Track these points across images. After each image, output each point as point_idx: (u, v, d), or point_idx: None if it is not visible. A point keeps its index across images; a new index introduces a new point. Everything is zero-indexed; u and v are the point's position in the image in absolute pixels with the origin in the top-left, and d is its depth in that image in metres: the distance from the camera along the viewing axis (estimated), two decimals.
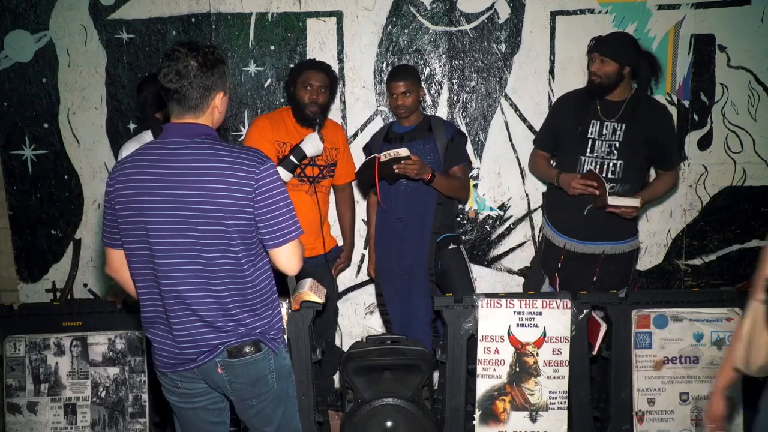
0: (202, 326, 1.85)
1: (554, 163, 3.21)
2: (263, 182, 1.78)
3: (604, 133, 2.93)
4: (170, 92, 1.80)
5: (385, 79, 3.37)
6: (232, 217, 1.77)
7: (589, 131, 2.94)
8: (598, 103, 2.94)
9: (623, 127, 2.90)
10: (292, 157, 2.91)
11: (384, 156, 2.91)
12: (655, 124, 2.91)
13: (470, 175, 3.38)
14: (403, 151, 2.89)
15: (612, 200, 2.81)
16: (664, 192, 3.10)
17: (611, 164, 2.92)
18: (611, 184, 2.90)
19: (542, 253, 3.19)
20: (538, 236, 3.42)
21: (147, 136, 2.85)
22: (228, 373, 1.89)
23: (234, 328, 1.86)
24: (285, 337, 2.12)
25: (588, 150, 2.94)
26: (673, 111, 3.47)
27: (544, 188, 3.43)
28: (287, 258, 1.86)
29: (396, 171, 2.89)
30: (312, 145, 2.93)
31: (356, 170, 3.17)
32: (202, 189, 1.76)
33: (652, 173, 3.18)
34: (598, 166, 2.93)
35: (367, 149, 3.26)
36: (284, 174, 2.87)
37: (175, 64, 1.77)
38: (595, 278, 3.00)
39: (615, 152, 2.91)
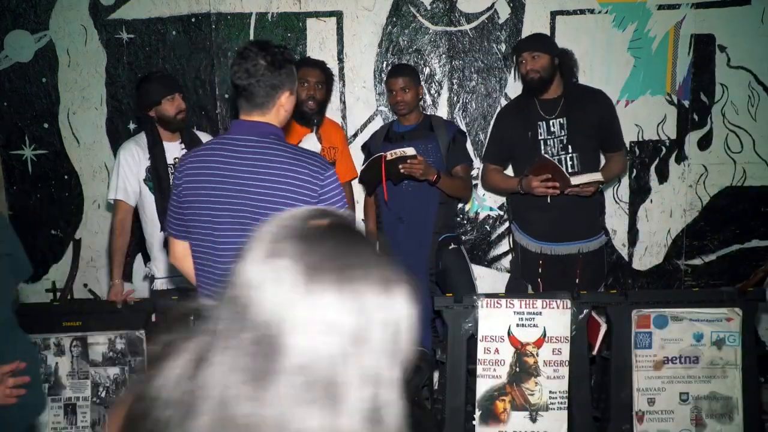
0: None
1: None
2: (327, 188, 1.85)
3: (552, 130, 2.99)
4: (239, 89, 1.87)
5: (385, 78, 3.37)
6: None
7: (538, 133, 3.00)
8: (537, 105, 3.00)
9: (566, 120, 2.97)
10: None
11: (390, 155, 2.90)
12: (595, 109, 2.99)
13: (471, 174, 3.38)
14: (410, 151, 2.89)
15: (575, 179, 2.85)
16: (618, 172, 3.17)
17: (567, 158, 2.98)
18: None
19: (520, 261, 3.17)
20: (511, 245, 3.35)
21: (144, 137, 2.86)
22: None
23: None
24: None
25: (542, 151, 2.99)
26: (673, 111, 3.47)
27: None
28: None
29: (402, 171, 2.89)
30: (309, 145, 2.93)
31: (362, 168, 3.16)
32: (267, 187, 1.82)
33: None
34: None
35: (366, 148, 3.26)
36: None
37: (245, 63, 1.84)
38: (577, 279, 3.01)
39: (568, 146, 2.97)
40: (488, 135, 3.31)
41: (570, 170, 2.94)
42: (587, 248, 3.03)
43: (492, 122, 3.27)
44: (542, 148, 2.98)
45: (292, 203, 1.83)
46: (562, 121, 2.97)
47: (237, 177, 1.84)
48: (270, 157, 1.85)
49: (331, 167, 1.90)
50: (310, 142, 2.93)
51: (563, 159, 2.97)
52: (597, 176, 2.86)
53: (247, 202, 1.84)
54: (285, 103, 1.91)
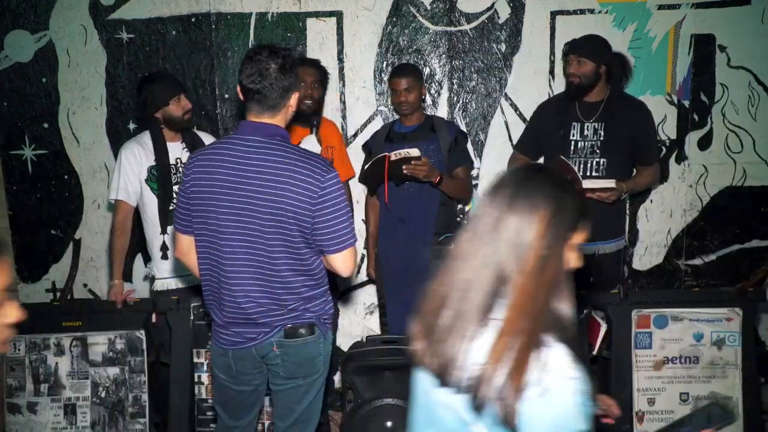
0: (262, 309, 1.97)
1: None
2: (327, 191, 1.90)
3: (585, 134, 2.99)
4: (251, 92, 1.92)
5: (385, 79, 3.37)
6: (293, 216, 1.89)
7: (571, 133, 3.00)
8: (577, 106, 3.01)
9: (603, 126, 2.96)
10: None
11: (395, 155, 2.90)
12: (633, 121, 2.98)
13: (471, 175, 3.38)
14: (414, 152, 2.88)
15: (586, 183, 2.86)
16: (644, 185, 3.17)
17: (594, 162, 2.97)
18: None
19: None
20: None
21: (146, 137, 2.85)
22: (282, 353, 2.01)
23: (291, 310, 1.99)
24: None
25: (571, 152, 2.99)
26: (673, 111, 3.47)
27: None
28: (343, 262, 1.98)
29: (405, 172, 2.89)
30: (309, 147, 2.92)
31: (364, 167, 3.15)
32: (271, 187, 1.88)
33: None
34: (582, 166, 2.98)
35: (367, 148, 3.26)
36: None
37: (256, 66, 1.89)
38: (591, 279, 3.02)
39: (597, 151, 2.97)
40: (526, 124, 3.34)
41: (594, 174, 2.95)
42: (604, 250, 3.03)
43: (532, 113, 3.29)
44: (571, 148, 2.99)
45: (293, 203, 1.88)
46: (597, 126, 2.97)
47: (242, 176, 1.89)
48: (274, 158, 1.89)
49: (333, 170, 1.94)
50: (310, 143, 2.93)
51: (590, 162, 2.97)
52: (609, 183, 2.87)
53: (250, 201, 1.89)
54: (293, 103, 1.99)
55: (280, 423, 2.17)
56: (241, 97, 2.00)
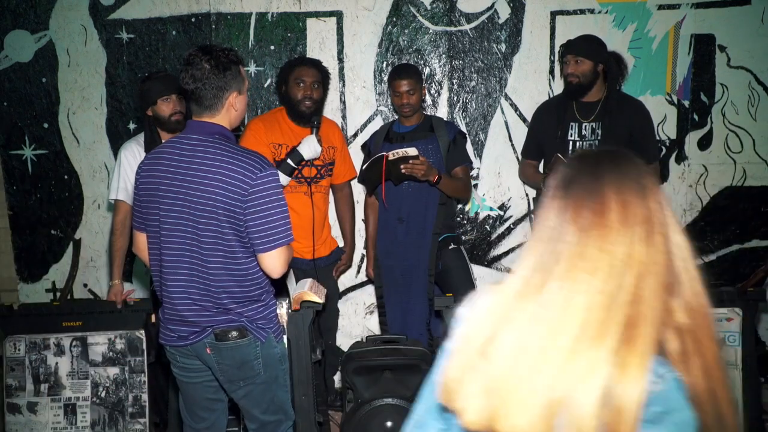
0: (194, 308, 1.98)
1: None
2: (258, 188, 1.89)
3: (583, 134, 3.01)
4: (188, 93, 1.97)
5: (385, 78, 3.37)
6: (224, 214, 1.90)
7: (569, 134, 3.01)
8: (575, 106, 3.02)
9: (600, 126, 2.97)
10: (289, 161, 2.89)
11: (392, 155, 2.90)
12: (631, 120, 2.98)
13: (471, 175, 3.38)
14: (412, 151, 2.88)
15: None
16: None
17: None
18: None
19: None
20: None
21: (142, 137, 2.86)
22: (215, 355, 2.02)
23: (221, 313, 1.99)
24: (282, 327, 2.23)
25: (570, 152, 3.00)
26: (673, 111, 3.47)
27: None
28: (271, 262, 1.96)
29: (403, 171, 2.89)
30: (310, 147, 2.91)
31: (362, 167, 3.15)
32: (203, 184, 1.90)
33: None
34: None
35: (366, 147, 3.26)
36: (282, 178, 2.85)
37: (191, 68, 1.92)
38: None
39: None
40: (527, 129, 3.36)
41: None
42: None
43: (532, 115, 3.30)
44: (570, 149, 3.00)
45: (224, 199, 1.89)
46: (595, 126, 2.98)
47: (179, 174, 1.93)
48: (210, 154, 1.92)
49: (270, 168, 1.94)
50: (311, 143, 2.92)
51: None
52: None
53: (186, 199, 1.92)
54: (234, 102, 1.99)
55: (251, 425, 2.19)
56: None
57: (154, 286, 2.12)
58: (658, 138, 3.47)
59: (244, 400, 2.12)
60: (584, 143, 2.99)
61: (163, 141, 2.82)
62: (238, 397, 2.12)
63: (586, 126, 2.99)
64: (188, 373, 2.13)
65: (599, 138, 2.97)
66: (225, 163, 1.89)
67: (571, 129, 3.01)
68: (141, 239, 2.11)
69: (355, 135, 3.52)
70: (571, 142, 3.00)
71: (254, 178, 1.89)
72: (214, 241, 1.92)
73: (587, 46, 2.95)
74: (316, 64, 3.04)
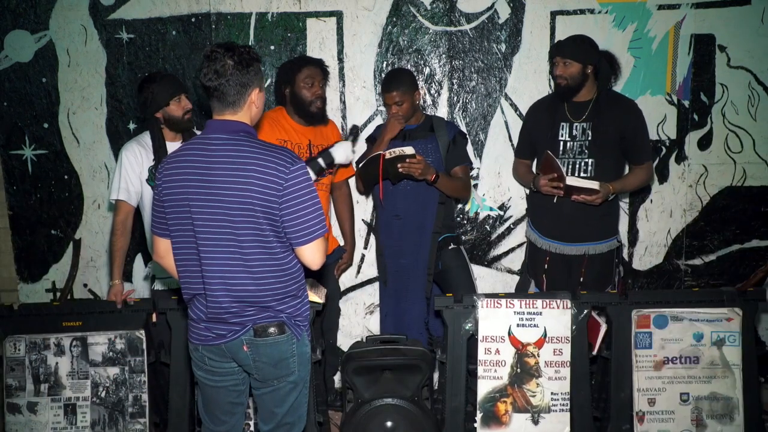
0: (235, 305, 1.97)
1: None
2: (292, 182, 1.90)
3: (574, 134, 3.00)
4: (210, 90, 1.94)
5: (380, 89, 3.37)
6: (262, 211, 1.90)
7: (560, 134, 3.00)
8: (566, 106, 3.01)
9: (591, 126, 2.96)
10: (320, 161, 2.89)
11: (389, 153, 2.90)
12: (622, 120, 2.97)
13: (470, 175, 3.38)
14: (408, 150, 2.89)
15: (570, 180, 2.87)
16: (636, 185, 3.11)
17: (582, 163, 2.97)
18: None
19: (528, 256, 3.26)
20: (526, 240, 3.42)
21: (147, 137, 2.85)
22: (252, 352, 2.01)
23: (262, 309, 1.98)
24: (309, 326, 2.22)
25: (561, 152, 3.00)
26: (673, 111, 3.47)
27: None
28: (311, 254, 1.98)
29: (400, 170, 2.89)
30: (344, 152, 2.92)
31: (359, 165, 3.15)
32: (237, 183, 1.89)
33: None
34: (570, 167, 2.98)
35: (371, 140, 3.26)
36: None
37: (213, 64, 1.91)
38: (582, 279, 3.02)
39: (586, 151, 2.97)
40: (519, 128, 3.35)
41: (582, 175, 2.95)
42: (594, 250, 3.03)
43: (524, 114, 3.31)
44: (560, 149, 2.99)
45: (260, 196, 1.89)
46: (585, 126, 2.97)
47: (210, 175, 1.91)
48: (240, 152, 1.91)
49: (299, 161, 1.94)
50: (346, 148, 2.93)
51: (578, 163, 2.97)
52: (593, 185, 2.86)
53: (220, 199, 1.91)
54: (255, 100, 1.99)
55: (264, 426, 2.17)
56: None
57: (182, 290, 2.08)
58: (658, 138, 3.48)
59: (269, 396, 2.10)
60: (575, 143, 2.99)
61: (167, 142, 2.82)
62: (264, 392, 2.10)
63: (576, 126, 2.99)
64: (214, 376, 2.11)
65: (589, 138, 2.96)
66: (257, 161, 1.89)
67: (562, 129, 3.00)
68: (163, 245, 2.07)
69: (355, 135, 3.52)
70: (562, 142, 3.00)
71: (287, 173, 1.89)
72: (253, 238, 1.92)
73: (575, 48, 2.92)
74: (321, 64, 3.06)
